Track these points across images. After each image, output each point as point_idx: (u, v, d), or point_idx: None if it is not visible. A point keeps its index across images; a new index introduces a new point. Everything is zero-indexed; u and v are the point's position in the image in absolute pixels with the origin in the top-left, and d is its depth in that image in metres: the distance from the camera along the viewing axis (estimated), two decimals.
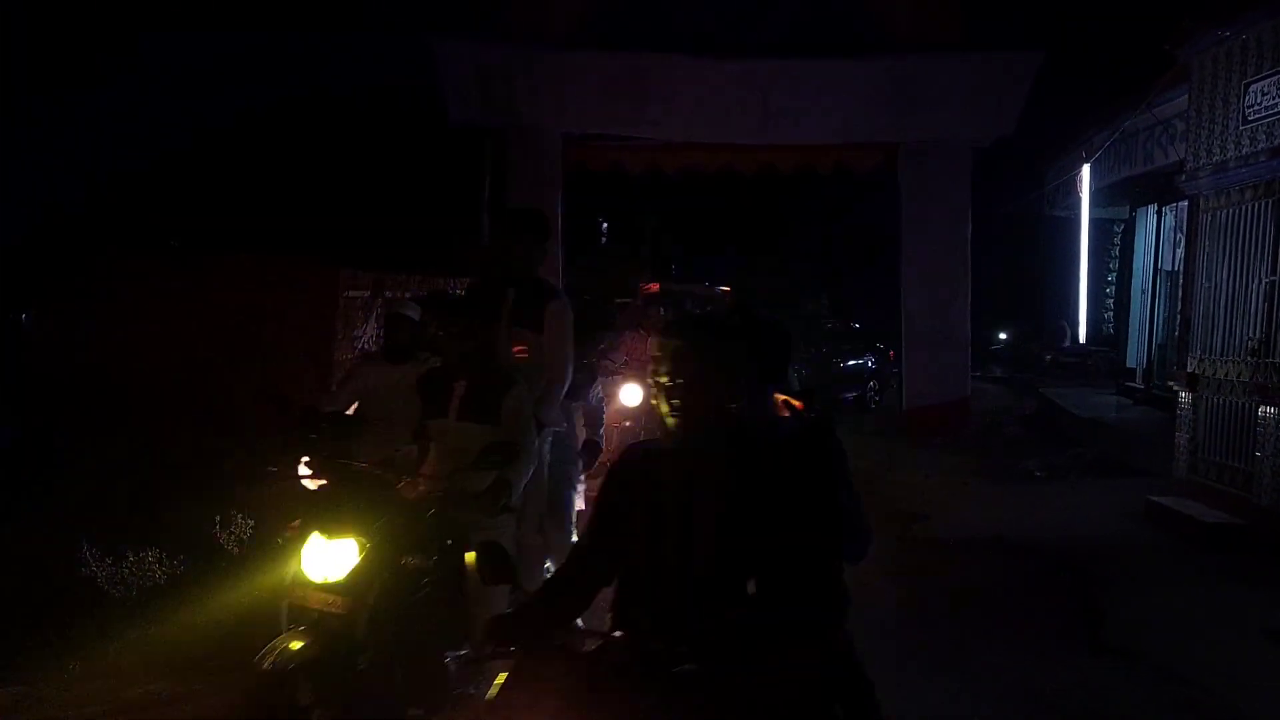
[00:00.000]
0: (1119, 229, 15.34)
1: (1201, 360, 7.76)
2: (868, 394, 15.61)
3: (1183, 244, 11.50)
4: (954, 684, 4.59)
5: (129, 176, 8.81)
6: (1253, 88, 7.23)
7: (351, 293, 7.53)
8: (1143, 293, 13.43)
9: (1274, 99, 7.03)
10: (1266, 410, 6.89)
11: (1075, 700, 4.44)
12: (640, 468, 2.13)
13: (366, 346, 7.88)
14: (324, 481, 3.56)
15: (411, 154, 11.90)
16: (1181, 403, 8.00)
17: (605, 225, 23.10)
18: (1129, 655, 4.99)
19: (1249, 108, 7.26)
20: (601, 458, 5.46)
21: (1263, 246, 7.18)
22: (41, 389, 7.23)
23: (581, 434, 5.42)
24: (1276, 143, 6.98)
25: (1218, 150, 7.66)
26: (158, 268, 7.76)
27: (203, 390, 7.24)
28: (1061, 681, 4.65)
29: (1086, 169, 11.95)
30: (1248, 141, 7.30)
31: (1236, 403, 7.31)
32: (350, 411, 4.43)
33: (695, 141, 12.53)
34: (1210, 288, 7.79)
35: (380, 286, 8.12)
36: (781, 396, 2.99)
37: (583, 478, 5.23)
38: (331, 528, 3.25)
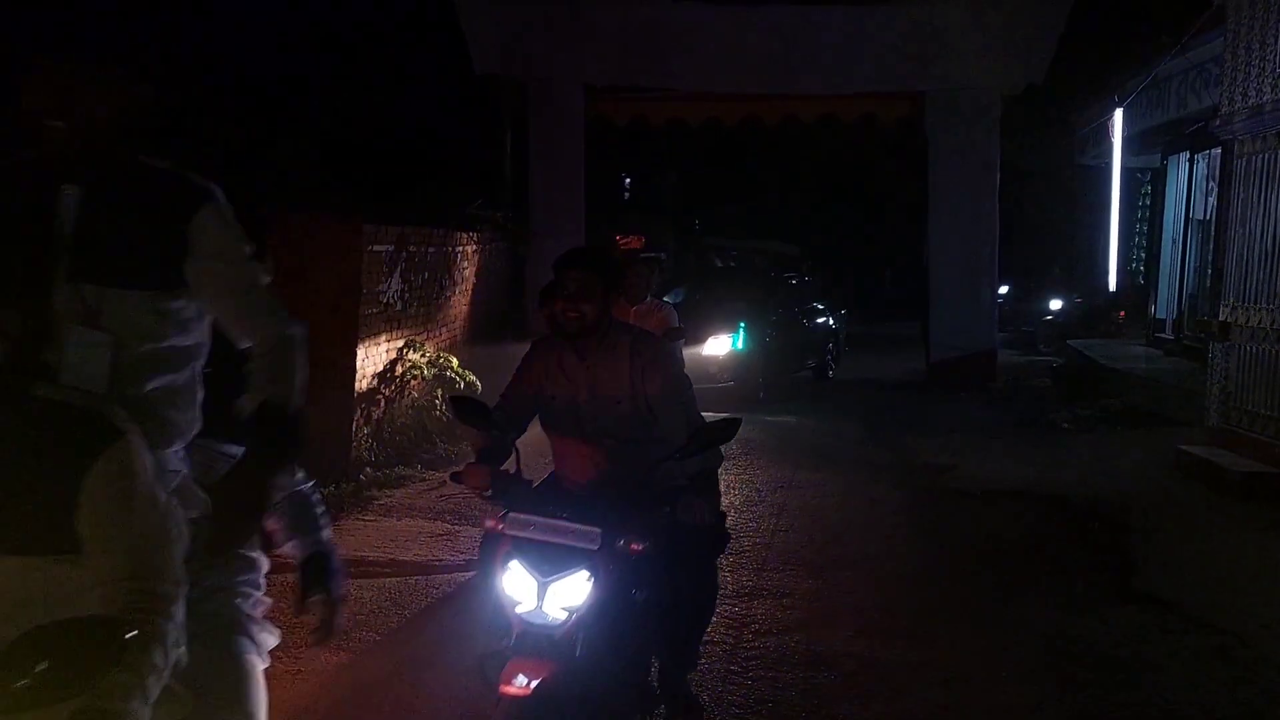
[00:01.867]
0: (1147, 178, 15.05)
1: (1235, 308, 7.63)
2: (826, 360, 13.68)
3: (1215, 192, 11.29)
4: (983, 634, 4.58)
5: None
6: None
7: (375, 247, 7.51)
8: (1173, 242, 13.20)
9: None
10: None
11: (1106, 649, 4.43)
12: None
13: (391, 301, 7.88)
14: None
15: (433, 106, 11.80)
16: (1214, 352, 7.88)
17: (628, 181, 22.93)
18: (1160, 604, 4.96)
19: None
20: None
21: None
22: None
23: None
24: None
25: (1254, 94, 7.46)
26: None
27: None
28: (1092, 631, 4.63)
29: (1119, 113, 11.69)
30: None
31: (1271, 350, 7.19)
32: None
33: (718, 92, 12.37)
34: (1244, 234, 7.64)
35: (404, 241, 8.09)
36: None
37: None
38: None
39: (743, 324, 10.57)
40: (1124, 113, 11.75)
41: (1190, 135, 11.68)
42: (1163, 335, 13.08)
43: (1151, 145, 13.33)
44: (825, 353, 13.53)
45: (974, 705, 3.86)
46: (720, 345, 10.46)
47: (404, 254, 8.10)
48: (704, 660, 4.25)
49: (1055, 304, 17.03)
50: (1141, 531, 6.12)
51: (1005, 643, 4.49)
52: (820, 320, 13.75)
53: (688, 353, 7.78)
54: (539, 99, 12.10)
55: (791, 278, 14.54)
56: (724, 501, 6.95)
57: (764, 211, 21.34)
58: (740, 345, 10.50)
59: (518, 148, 12.38)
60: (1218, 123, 8.05)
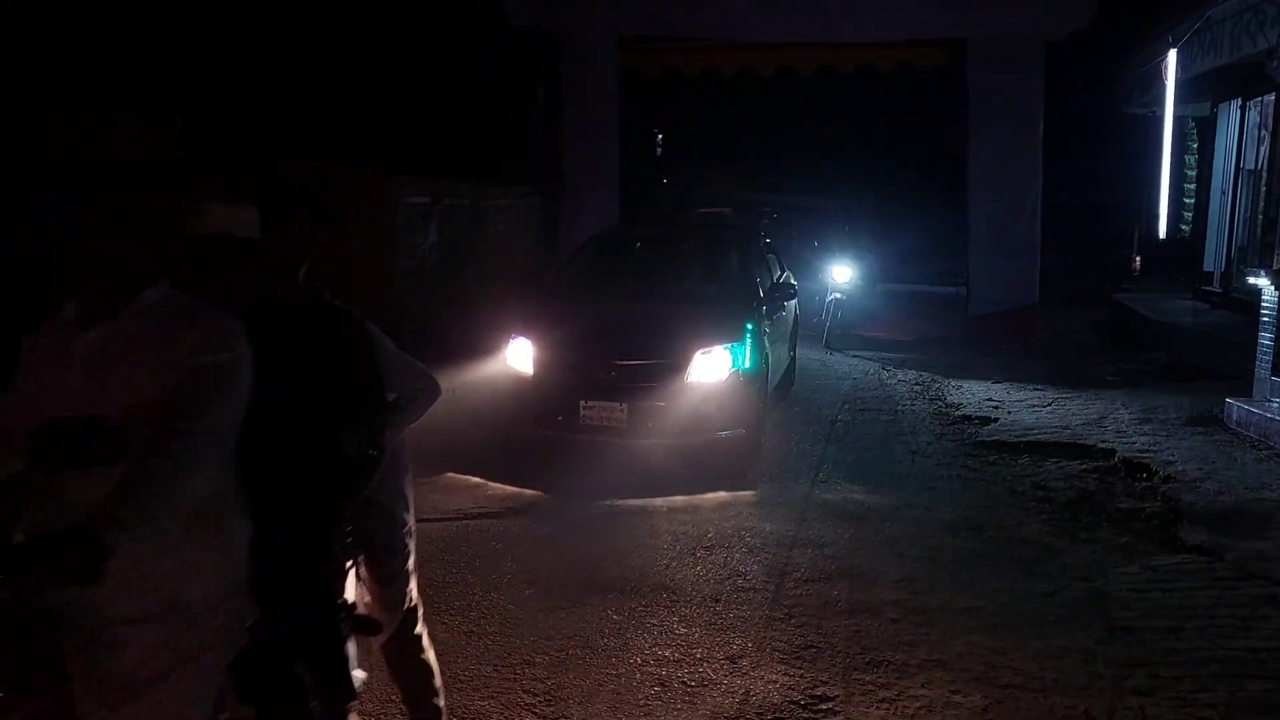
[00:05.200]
0: (1193, 127, 14.62)
1: None
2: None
3: (1267, 140, 10.94)
4: (1028, 582, 4.54)
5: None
6: None
7: (412, 199, 7.48)
8: (1222, 193, 12.85)
9: None
10: None
11: (1154, 598, 4.37)
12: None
13: (427, 252, 7.87)
14: None
15: (466, 57, 11.69)
16: (1266, 302, 7.67)
17: (660, 136, 22.66)
18: (1208, 554, 4.89)
19: None
20: None
21: None
22: None
23: None
24: None
25: None
26: (227, 175, 7.76)
27: None
28: (1140, 580, 4.58)
29: (1173, 54, 11.31)
30: None
31: None
32: None
33: (751, 41, 12.13)
34: None
35: (439, 194, 8.06)
36: None
37: None
38: None
39: (750, 327, 6.47)
40: (1176, 55, 11.39)
41: (1242, 80, 11.31)
42: (1209, 288, 12.79)
43: (1200, 93, 12.93)
44: (791, 350, 8.93)
45: (1021, 651, 3.82)
46: (716, 366, 6.27)
47: (439, 207, 8.07)
48: (745, 607, 4.27)
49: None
50: (1188, 484, 6.01)
51: (1051, 590, 4.44)
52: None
53: (654, 394, 6.12)
54: (571, 50, 11.94)
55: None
56: (771, 448, 6.95)
57: (801, 165, 21.00)
58: (747, 363, 6.39)
59: (550, 101, 12.25)
60: (1274, 64, 7.77)
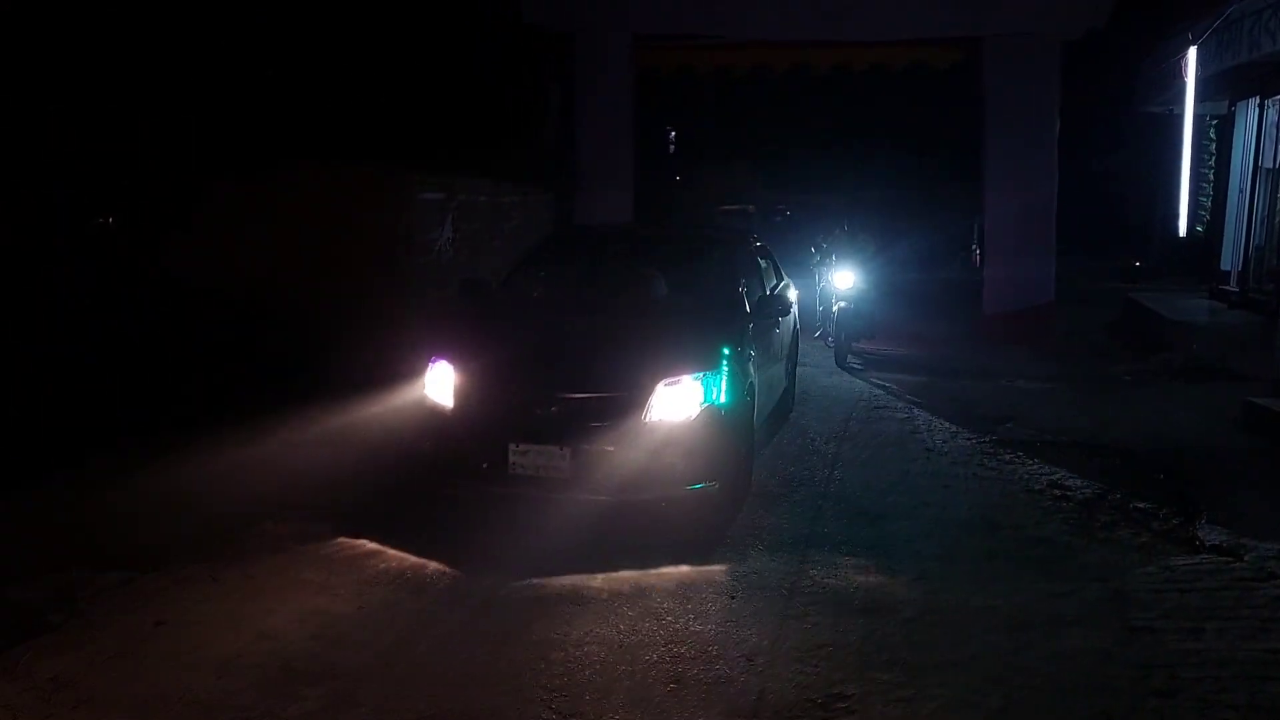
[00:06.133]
0: (1213, 123, 14.53)
1: None
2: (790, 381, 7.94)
3: None
4: (1045, 582, 4.52)
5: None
6: None
7: (427, 195, 7.50)
8: (1240, 192, 12.77)
9: None
10: None
11: (1173, 598, 4.34)
12: None
13: (443, 248, 7.89)
14: None
15: (480, 56, 11.71)
16: None
17: (673, 134, 22.67)
18: (1227, 554, 4.86)
19: None
20: None
21: None
22: (127, 292, 7.39)
23: None
24: None
25: None
26: (241, 175, 7.81)
27: (280, 291, 7.34)
28: (1158, 580, 4.55)
29: (1193, 52, 11.24)
30: None
31: None
32: None
33: (766, 39, 12.11)
34: None
35: (454, 190, 8.08)
36: None
37: None
38: None
39: (727, 352, 5.26)
40: (1196, 52, 11.32)
41: (1261, 79, 11.23)
42: (1226, 288, 12.71)
43: (1218, 91, 12.86)
44: (788, 373, 7.75)
45: (1039, 651, 3.80)
46: (683, 401, 5.04)
47: (454, 203, 8.09)
48: (761, 604, 4.26)
49: None
50: (1207, 483, 5.97)
51: (1069, 590, 4.42)
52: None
53: (605, 436, 4.89)
54: (585, 48, 11.94)
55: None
56: (779, 449, 6.92)
57: (817, 162, 20.96)
58: (723, 397, 5.17)
59: (564, 100, 12.25)
60: None
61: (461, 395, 5.12)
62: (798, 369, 8.42)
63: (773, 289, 7.09)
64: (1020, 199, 11.68)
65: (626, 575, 4.54)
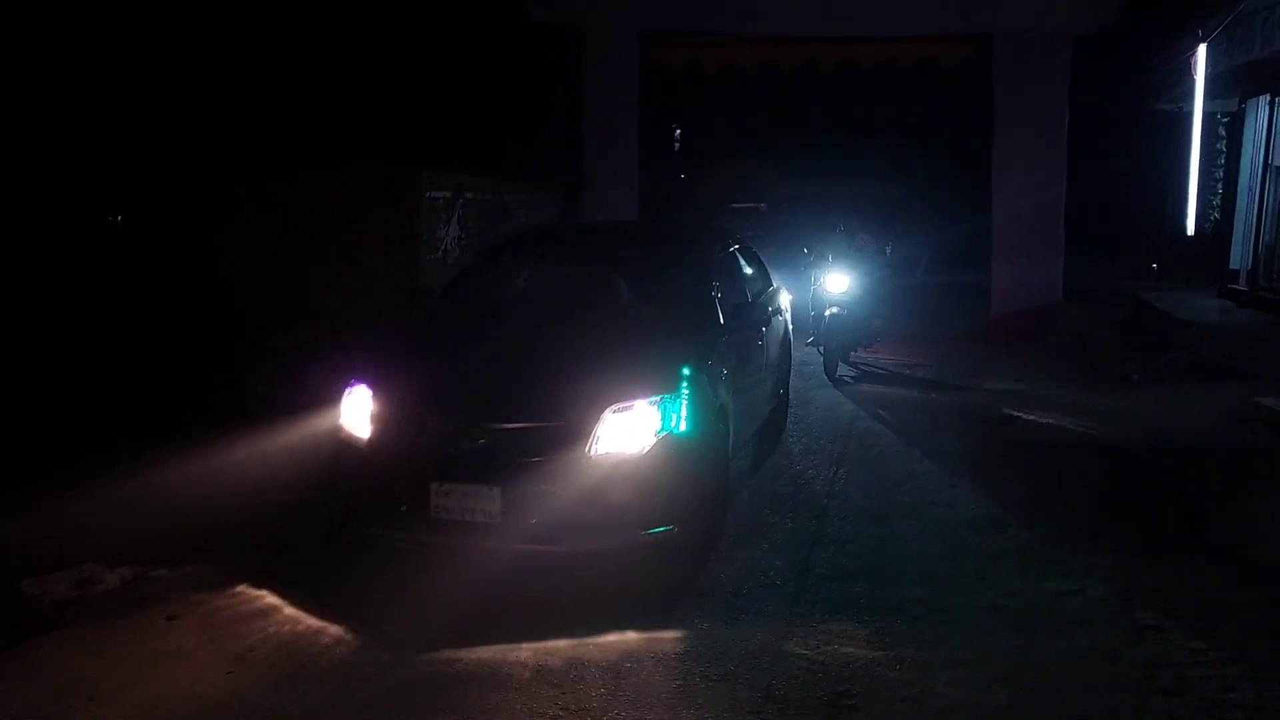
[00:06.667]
0: (1225, 120, 14.45)
1: None
2: (781, 400, 7.30)
3: None
4: (1052, 581, 4.51)
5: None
6: None
7: (434, 194, 7.51)
8: (1250, 190, 12.70)
9: None
10: None
11: (1179, 599, 4.32)
12: None
13: (449, 247, 7.89)
14: None
15: (487, 53, 11.71)
16: None
17: (679, 132, 22.63)
18: (1234, 556, 4.85)
19: None
20: None
21: None
22: (137, 288, 7.40)
23: None
24: None
25: None
26: (244, 174, 7.81)
27: (285, 291, 7.34)
28: (1165, 580, 4.53)
29: (1203, 49, 11.19)
30: None
31: None
32: None
33: (774, 35, 12.08)
34: None
35: (461, 188, 8.08)
36: None
37: None
38: None
39: (686, 373, 4.52)
40: (1206, 50, 11.26)
41: (1273, 75, 11.17)
42: (1236, 286, 12.65)
43: (1229, 88, 12.79)
44: (778, 389, 7.06)
45: (1045, 650, 3.79)
46: (636, 430, 4.35)
47: (461, 201, 8.10)
48: (768, 604, 4.26)
49: None
50: (1215, 483, 5.95)
51: (1076, 587, 4.41)
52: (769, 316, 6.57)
53: (543, 473, 4.23)
54: (592, 45, 11.94)
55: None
56: (785, 449, 6.88)
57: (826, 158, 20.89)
58: (684, 424, 4.44)
59: (570, 97, 12.26)
60: None
61: (379, 425, 4.46)
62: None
63: (757, 295, 6.38)
64: (1029, 197, 11.63)
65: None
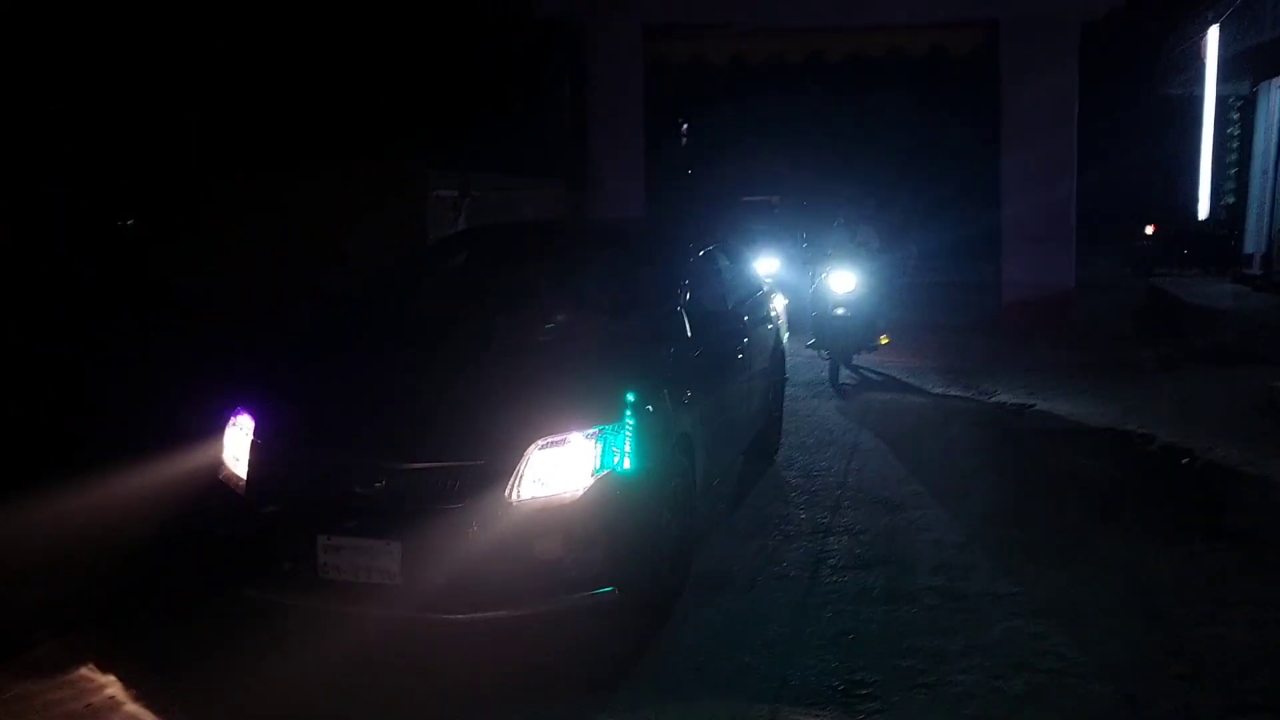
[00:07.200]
0: (1237, 104, 14.34)
1: None
2: (771, 420, 6.40)
3: None
4: (1067, 569, 4.47)
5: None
6: None
7: (441, 192, 7.52)
8: (1263, 174, 12.62)
9: None
10: None
11: (1196, 585, 4.29)
12: None
13: None
14: None
15: (493, 49, 11.72)
16: None
17: (685, 126, 22.61)
18: (1253, 542, 4.79)
19: None
20: None
21: None
22: (150, 291, 7.41)
23: None
24: None
25: None
26: (246, 174, 7.83)
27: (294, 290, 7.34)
28: (1181, 567, 4.49)
29: (1214, 31, 11.10)
30: None
31: None
32: None
33: (779, 27, 12.05)
34: None
35: (467, 186, 8.09)
36: None
37: None
38: None
39: (631, 399, 3.73)
40: (1218, 31, 11.17)
41: None
42: (1250, 271, 12.57)
43: (1240, 71, 12.69)
44: (769, 405, 6.22)
45: (1062, 638, 3.76)
46: (570, 469, 3.58)
47: (468, 199, 8.10)
48: (781, 594, 4.24)
49: None
50: (1231, 470, 5.89)
51: (1090, 576, 4.38)
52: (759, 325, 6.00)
53: (453, 524, 3.45)
54: (597, 40, 11.95)
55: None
56: (798, 440, 6.83)
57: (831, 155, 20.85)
58: (628, 461, 3.67)
59: (575, 92, 12.26)
60: None
61: (259, 463, 3.70)
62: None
63: (740, 301, 5.60)
64: (1038, 185, 11.58)
65: None
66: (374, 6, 9.66)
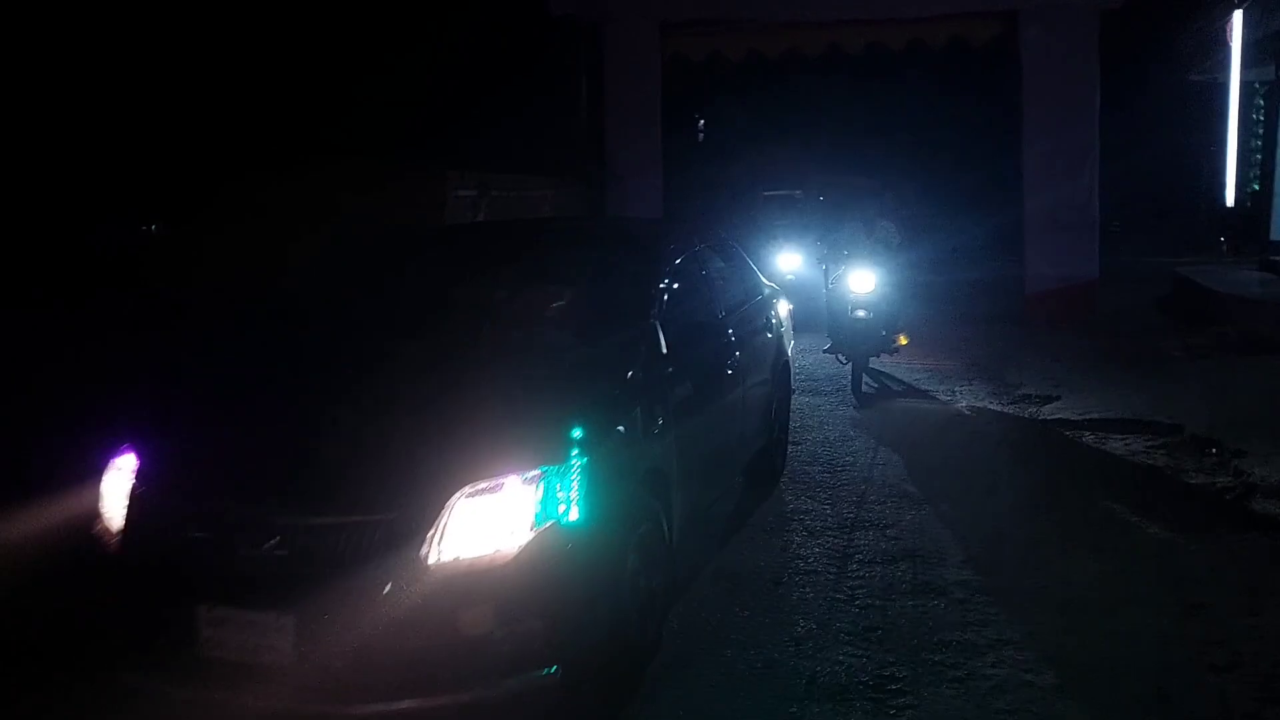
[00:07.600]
0: (1262, 90, 14.15)
1: None
2: (774, 438, 5.73)
3: None
4: (1098, 560, 4.44)
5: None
6: None
7: (461, 192, 7.55)
8: None
9: None
10: None
11: (1230, 574, 4.25)
12: None
13: None
14: None
15: (510, 48, 11.75)
16: None
17: (702, 122, 22.58)
18: None
19: None
20: None
21: None
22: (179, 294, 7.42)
23: None
24: None
25: None
26: (267, 176, 7.85)
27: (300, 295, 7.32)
28: (1214, 556, 4.46)
29: (1238, 15, 10.97)
30: None
31: None
32: None
33: (798, 20, 12.00)
34: None
35: (486, 186, 8.12)
36: None
37: None
38: None
39: (578, 434, 3.10)
40: (1243, 16, 11.04)
41: None
42: (1278, 258, 12.39)
43: (1266, 55, 12.52)
44: (771, 422, 5.57)
45: (1093, 630, 3.73)
46: (502, 521, 2.92)
47: (486, 199, 8.13)
48: (809, 590, 4.23)
49: None
50: (1262, 457, 5.81)
51: (1122, 567, 4.34)
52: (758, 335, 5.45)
53: (357, 593, 2.84)
54: (613, 38, 11.94)
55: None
56: (820, 435, 6.81)
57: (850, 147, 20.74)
58: (576, 510, 3.01)
59: (593, 90, 12.27)
60: None
61: (138, 515, 3.11)
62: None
63: (734, 308, 5.06)
64: (1061, 175, 11.48)
65: None
66: (382, 8, 9.68)
